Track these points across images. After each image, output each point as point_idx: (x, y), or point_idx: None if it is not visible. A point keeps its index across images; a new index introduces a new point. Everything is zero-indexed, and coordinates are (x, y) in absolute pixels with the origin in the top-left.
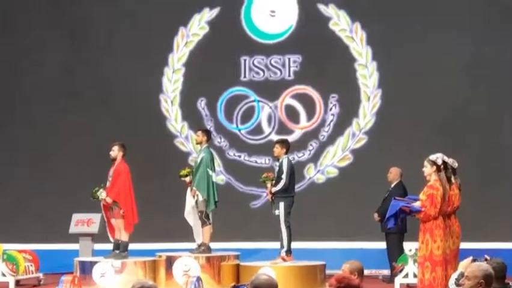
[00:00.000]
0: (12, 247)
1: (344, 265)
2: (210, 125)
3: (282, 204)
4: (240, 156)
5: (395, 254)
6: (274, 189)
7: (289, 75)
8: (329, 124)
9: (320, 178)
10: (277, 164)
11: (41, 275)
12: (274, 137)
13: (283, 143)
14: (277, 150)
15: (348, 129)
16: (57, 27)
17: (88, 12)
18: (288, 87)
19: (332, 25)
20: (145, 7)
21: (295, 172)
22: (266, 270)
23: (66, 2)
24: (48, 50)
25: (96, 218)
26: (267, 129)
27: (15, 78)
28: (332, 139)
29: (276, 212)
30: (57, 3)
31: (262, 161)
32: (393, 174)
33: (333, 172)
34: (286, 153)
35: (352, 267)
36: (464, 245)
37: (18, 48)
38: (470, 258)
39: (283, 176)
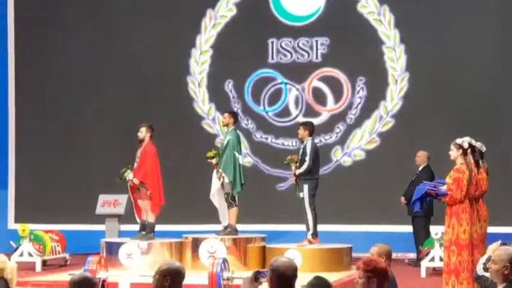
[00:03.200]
0: (39, 227)
1: (372, 248)
2: (237, 107)
3: (306, 187)
4: (267, 139)
5: (421, 237)
6: (297, 172)
7: (316, 58)
8: (356, 107)
9: (347, 161)
10: (302, 146)
11: (67, 255)
12: (302, 120)
13: (307, 125)
14: (301, 132)
15: (376, 112)
16: (87, 9)
17: None
18: (316, 69)
19: (360, 8)
20: None
21: (320, 154)
22: (292, 252)
23: None
24: (77, 32)
25: (122, 199)
26: (294, 111)
27: (45, 58)
28: (359, 122)
29: (301, 194)
30: None
31: (289, 143)
32: (421, 158)
33: (360, 155)
34: (310, 135)
35: (380, 251)
36: (491, 229)
37: (50, 32)
38: (499, 242)
39: (307, 158)
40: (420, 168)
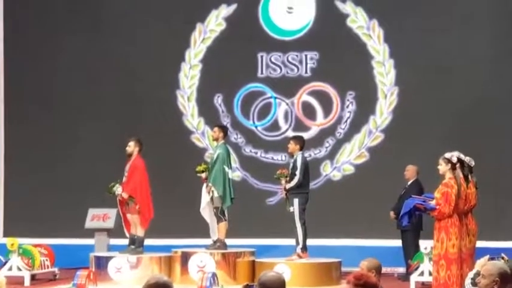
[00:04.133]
0: (28, 241)
1: (361, 263)
2: (226, 121)
3: (296, 201)
4: (256, 153)
5: (410, 252)
6: (288, 186)
7: (306, 72)
8: (346, 121)
9: (336, 175)
10: (292, 160)
11: (56, 269)
12: (291, 134)
13: (298, 139)
14: (292, 146)
15: (365, 127)
16: (78, 24)
17: (106, 9)
18: (305, 84)
19: (349, 22)
20: (163, 3)
21: (310, 169)
22: (281, 267)
23: (86, 1)
24: (65, 45)
25: (112, 213)
26: (283, 125)
27: (32, 74)
28: (348, 136)
29: (291, 208)
30: (77, 3)
31: (279, 157)
32: (410, 172)
33: (350, 169)
34: (300, 149)
35: (370, 265)
36: (480, 244)
37: (37, 45)
38: (487, 257)
39: (297, 173)
40: (409, 183)
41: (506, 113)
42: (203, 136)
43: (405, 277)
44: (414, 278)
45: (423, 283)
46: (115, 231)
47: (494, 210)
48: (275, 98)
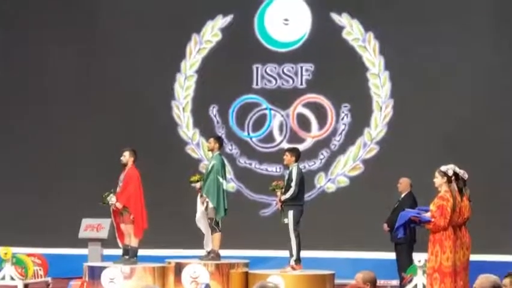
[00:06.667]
0: (21, 251)
1: (357, 275)
2: (221, 132)
3: (291, 213)
4: (250, 164)
5: (404, 264)
6: (283, 198)
7: (301, 84)
8: (341, 133)
9: (331, 187)
10: (287, 172)
11: (49, 279)
12: (286, 145)
13: (293, 151)
14: (287, 158)
15: (360, 139)
16: (73, 33)
17: (103, 19)
18: (300, 95)
19: (345, 34)
20: (159, 14)
21: (305, 181)
22: (275, 278)
23: (81, 10)
24: (61, 56)
25: (106, 223)
26: (278, 137)
27: (28, 81)
28: (343, 148)
29: (285, 220)
30: (71, 13)
31: (273, 169)
32: (403, 185)
33: (344, 181)
34: (296, 161)
35: (365, 278)
36: (474, 257)
37: (32, 51)
38: None
39: (293, 184)
40: (402, 195)
41: (501, 125)
42: (198, 147)
43: None
44: None
45: None
46: (109, 242)
47: (488, 224)
48: (270, 109)
